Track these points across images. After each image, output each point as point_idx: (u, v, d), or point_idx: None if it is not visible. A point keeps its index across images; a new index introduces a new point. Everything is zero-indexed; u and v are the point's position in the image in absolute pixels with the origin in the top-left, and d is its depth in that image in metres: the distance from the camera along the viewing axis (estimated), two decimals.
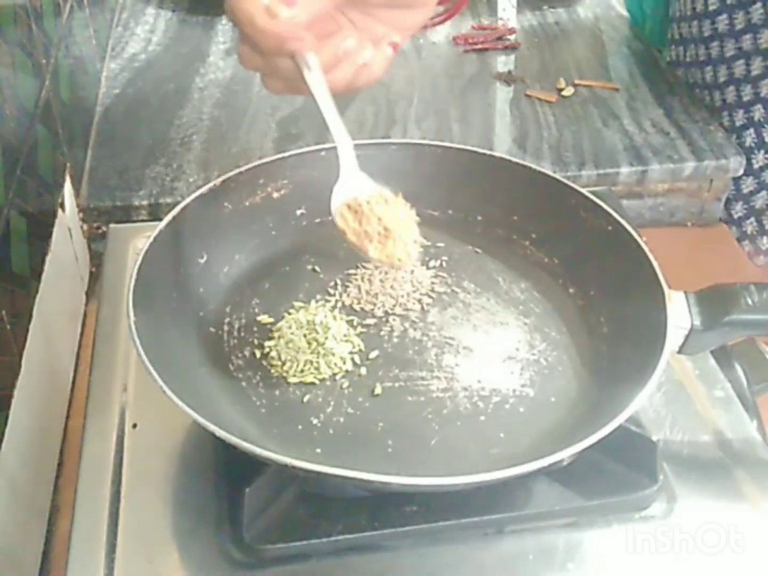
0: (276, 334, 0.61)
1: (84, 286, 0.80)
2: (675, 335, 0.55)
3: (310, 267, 0.67)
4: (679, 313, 0.55)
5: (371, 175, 0.69)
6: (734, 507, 0.55)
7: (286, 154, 0.69)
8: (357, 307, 0.64)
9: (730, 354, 0.65)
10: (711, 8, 0.93)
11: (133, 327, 0.52)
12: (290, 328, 0.60)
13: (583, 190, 0.66)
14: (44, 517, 0.61)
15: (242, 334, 0.62)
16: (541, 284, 0.66)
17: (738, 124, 0.93)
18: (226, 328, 0.62)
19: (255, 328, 0.62)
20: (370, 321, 0.63)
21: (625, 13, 1.22)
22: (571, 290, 0.65)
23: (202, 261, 0.64)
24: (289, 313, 0.63)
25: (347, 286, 0.66)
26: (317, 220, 0.70)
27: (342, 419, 0.56)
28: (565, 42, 1.15)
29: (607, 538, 0.53)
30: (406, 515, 0.52)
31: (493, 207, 0.70)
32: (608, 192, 0.83)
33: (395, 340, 0.62)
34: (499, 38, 1.14)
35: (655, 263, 0.58)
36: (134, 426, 0.59)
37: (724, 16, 0.92)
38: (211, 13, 1.20)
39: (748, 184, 0.93)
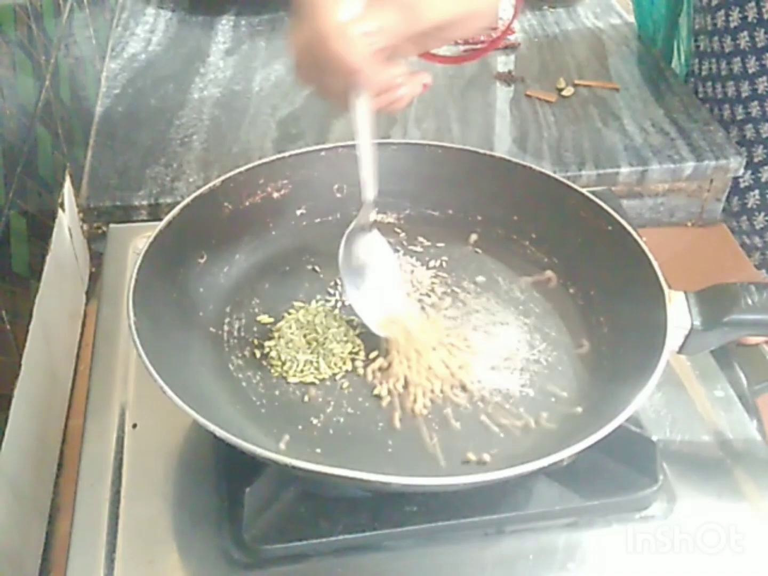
0: (276, 334, 0.61)
1: (84, 286, 0.80)
2: (675, 335, 0.55)
3: (310, 267, 0.67)
4: (679, 313, 0.55)
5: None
6: (734, 507, 0.55)
7: (286, 154, 0.69)
8: None
9: (730, 354, 0.65)
10: (732, 25, 0.93)
11: (133, 327, 0.52)
12: (290, 328, 0.61)
13: (583, 190, 0.66)
14: (44, 517, 0.61)
15: (242, 334, 0.62)
16: (541, 284, 0.66)
17: (765, 135, 0.93)
18: (226, 328, 0.62)
19: (255, 328, 0.62)
20: None
21: (625, 13, 1.21)
22: (571, 290, 0.65)
23: (202, 261, 0.64)
24: (289, 313, 0.63)
25: None
26: (317, 220, 0.70)
27: (342, 419, 0.56)
28: (565, 42, 1.15)
29: (607, 538, 0.53)
30: (406, 515, 0.52)
31: (493, 207, 0.70)
32: (608, 192, 0.83)
33: None
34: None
35: (655, 263, 0.58)
36: (134, 426, 0.59)
37: (745, 33, 0.93)
38: (211, 13, 1.20)
39: None
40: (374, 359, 0.60)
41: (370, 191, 0.56)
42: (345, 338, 0.60)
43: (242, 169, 0.66)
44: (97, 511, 0.54)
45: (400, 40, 0.49)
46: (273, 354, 0.60)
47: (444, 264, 0.68)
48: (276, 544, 0.51)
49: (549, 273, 0.66)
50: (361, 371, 0.59)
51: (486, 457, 0.53)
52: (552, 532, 0.53)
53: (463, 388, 0.58)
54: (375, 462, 0.53)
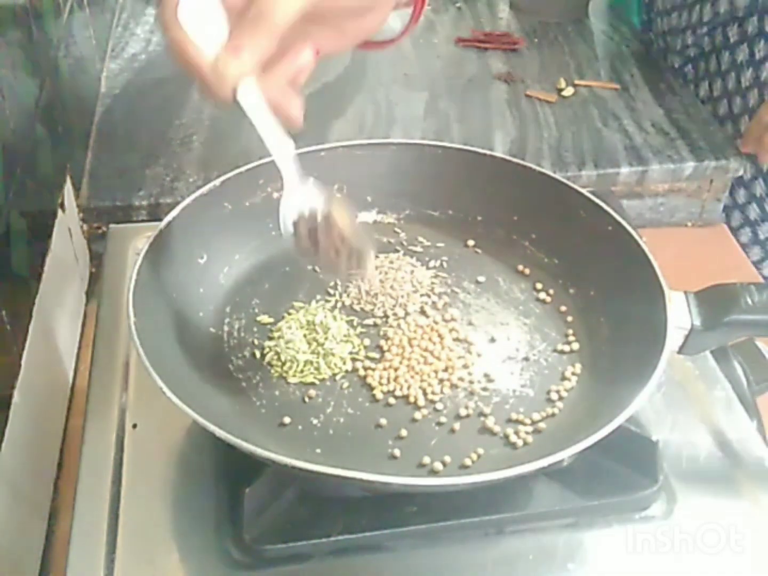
0: (276, 334, 0.61)
1: (84, 286, 0.80)
2: (675, 335, 0.55)
3: (310, 267, 0.67)
4: (679, 313, 0.55)
5: (372, 176, 0.69)
6: (734, 507, 0.55)
7: None
8: (357, 307, 0.64)
9: (730, 354, 0.65)
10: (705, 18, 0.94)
11: (133, 327, 0.52)
12: (290, 328, 0.61)
13: (583, 190, 0.66)
14: (44, 517, 0.61)
15: (242, 334, 0.62)
16: (541, 284, 0.66)
17: (736, 111, 0.94)
18: (226, 328, 0.62)
19: (255, 328, 0.62)
20: (370, 321, 0.63)
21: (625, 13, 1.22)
22: (571, 290, 0.65)
23: (202, 261, 0.64)
24: (289, 313, 0.63)
25: (347, 286, 0.66)
26: None
27: (342, 419, 0.56)
28: (565, 42, 1.15)
29: (607, 538, 0.53)
30: (406, 515, 0.52)
31: (493, 207, 0.70)
32: (608, 192, 0.83)
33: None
34: (499, 37, 1.14)
35: (655, 263, 0.58)
36: (134, 426, 0.59)
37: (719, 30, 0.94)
38: None
39: None
40: (374, 359, 0.60)
41: (286, 171, 0.53)
42: (345, 338, 0.60)
43: (242, 169, 0.66)
44: (97, 511, 0.54)
45: (277, 43, 0.48)
46: (273, 354, 0.60)
47: (444, 264, 0.68)
48: (276, 544, 0.51)
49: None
50: (361, 371, 0.59)
51: (486, 457, 0.53)
52: (552, 532, 0.53)
53: (464, 388, 0.58)
54: (375, 462, 0.53)
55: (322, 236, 0.53)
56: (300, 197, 0.53)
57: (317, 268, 0.67)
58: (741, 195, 0.96)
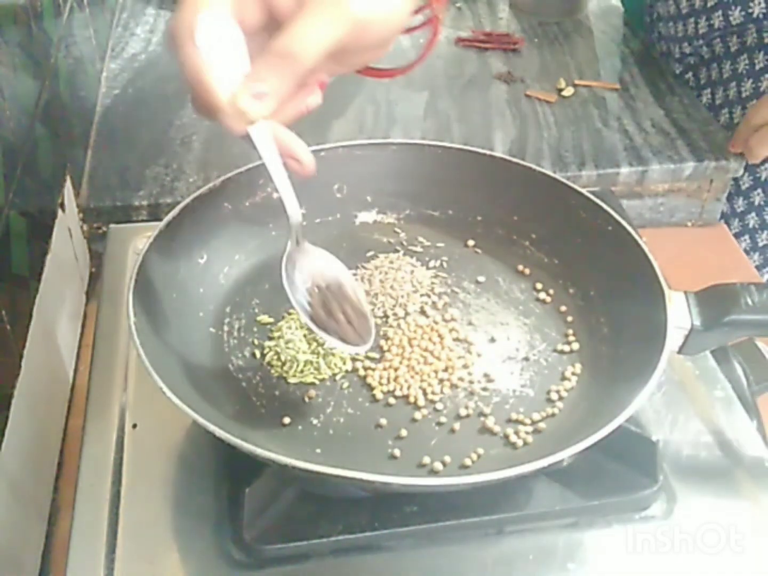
0: (276, 334, 0.61)
1: (84, 286, 0.80)
2: (675, 335, 0.55)
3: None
4: (679, 313, 0.55)
5: (372, 176, 0.69)
6: (734, 507, 0.55)
7: None
8: None
9: (730, 354, 0.65)
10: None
11: (133, 327, 0.52)
12: (290, 328, 0.61)
13: (583, 191, 0.66)
14: (44, 517, 0.61)
15: (242, 334, 0.62)
16: (541, 284, 0.66)
17: (737, 121, 0.94)
18: (226, 328, 0.62)
19: (255, 328, 0.62)
20: None
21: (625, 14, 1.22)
22: (571, 290, 0.65)
23: (202, 261, 0.64)
24: (289, 313, 0.63)
25: None
26: (317, 220, 0.70)
27: (342, 419, 0.56)
28: (565, 42, 1.15)
29: (607, 538, 0.53)
30: (406, 515, 0.52)
31: (493, 207, 0.70)
32: (608, 192, 0.82)
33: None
34: (499, 37, 1.14)
35: (655, 263, 0.58)
36: (134, 426, 0.59)
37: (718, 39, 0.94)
38: None
39: None
40: (374, 359, 0.60)
41: (295, 212, 0.54)
42: None
43: (242, 169, 0.66)
44: (97, 511, 0.54)
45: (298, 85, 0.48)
46: (273, 354, 0.60)
47: (444, 264, 0.68)
48: (276, 544, 0.51)
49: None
50: (361, 371, 0.59)
51: (486, 457, 0.53)
52: (552, 532, 0.53)
53: (464, 388, 0.58)
54: (375, 462, 0.53)
55: (328, 294, 0.55)
56: (305, 255, 0.55)
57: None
58: (740, 203, 0.96)
